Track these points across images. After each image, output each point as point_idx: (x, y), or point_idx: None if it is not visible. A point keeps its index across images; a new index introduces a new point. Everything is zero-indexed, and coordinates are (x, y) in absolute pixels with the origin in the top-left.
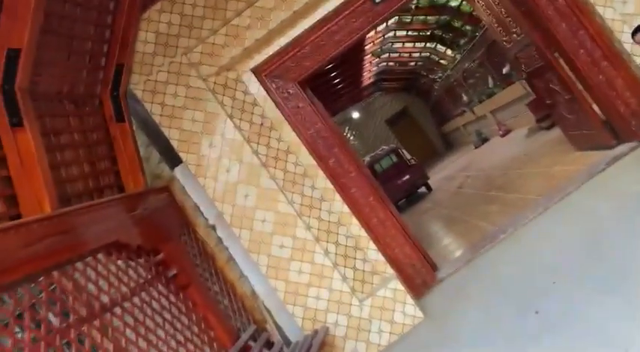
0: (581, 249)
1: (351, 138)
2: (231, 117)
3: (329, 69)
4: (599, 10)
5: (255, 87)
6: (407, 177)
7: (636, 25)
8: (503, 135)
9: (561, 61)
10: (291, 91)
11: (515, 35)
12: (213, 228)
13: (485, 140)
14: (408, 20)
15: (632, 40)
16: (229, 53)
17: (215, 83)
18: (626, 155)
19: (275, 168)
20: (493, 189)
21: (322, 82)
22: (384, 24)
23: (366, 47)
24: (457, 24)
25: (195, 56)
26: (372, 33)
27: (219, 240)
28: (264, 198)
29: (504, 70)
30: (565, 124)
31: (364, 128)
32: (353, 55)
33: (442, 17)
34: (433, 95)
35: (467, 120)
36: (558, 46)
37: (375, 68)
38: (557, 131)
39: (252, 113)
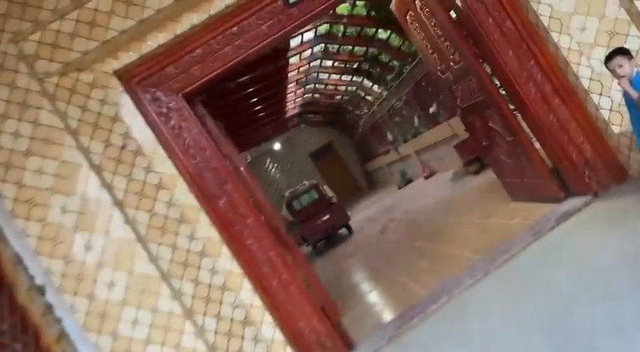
0: (539, 333)
1: (273, 170)
2: (75, 134)
3: (249, 94)
4: (554, 37)
5: (118, 96)
6: (327, 216)
7: (610, 51)
8: (426, 177)
9: (505, 96)
10: (172, 106)
11: (452, 63)
12: (41, 290)
13: (409, 181)
14: (335, 49)
15: (596, 71)
16: (81, 46)
17: (57, 86)
18: (579, 211)
19: (137, 208)
20: (420, 238)
21: (241, 107)
22: (310, 50)
23: (290, 74)
24: (385, 58)
25: (29, 46)
26: (296, 59)
27: (49, 307)
28: (115, 251)
29: (431, 110)
30: (502, 170)
31: (287, 161)
32: (275, 81)
33: (370, 50)
34: (358, 131)
35: (391, 159)
36: (503, 77)
37: (300, 99)
38: (485, 177)
39: (111, 131)
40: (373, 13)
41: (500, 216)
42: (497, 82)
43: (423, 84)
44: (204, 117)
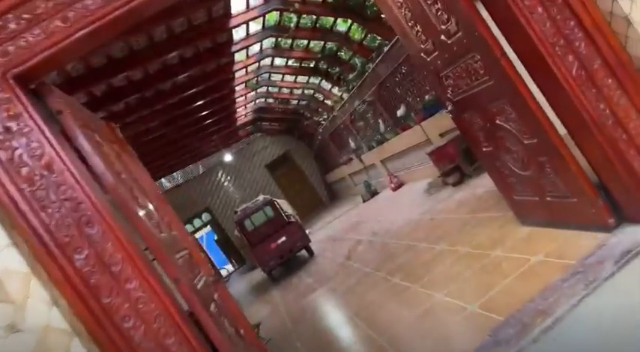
0: None
1: (226, 183)
2: None
3: (190, 97)
4: None
5: None
6: (283, 238)
7: None
8: (394, 189)
9: (528, 77)
10: None
11: (444, 36)
12: None
13: (374, 193)
14: (287, 45)
15: None
16: None
17: None
18: None
19: None
20: (395, 271)
21: (181, 113)
22: (259, 46)
23: (238, 74)
24: (345, 55)
25: None
26: (242, 55)
27: None
28: None
29: (399, 112)
30: (510, 184)
31: (242, 173)
32: (221, 82)
33: (328, 45)
34: (318, 139)
35: (354, 169)
36: (527, 48)
37: (252, 104)
38: (468, 190)
39: None
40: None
41: (510, 248)
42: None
43: (388, 85)
44: (67, 117)
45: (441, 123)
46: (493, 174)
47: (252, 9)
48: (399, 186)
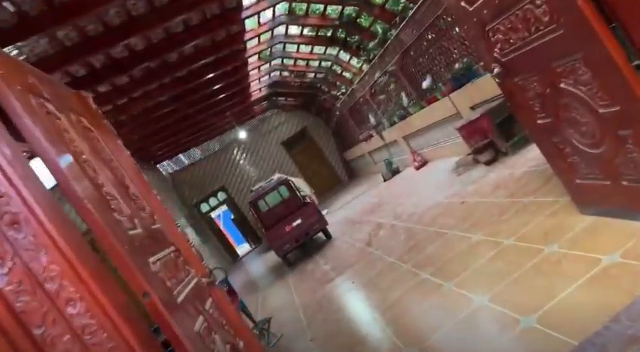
0: None
1: (242, 161)
2: None
3: (200, 70)
4: None
5: None
6: (299, 221)
7: None
8: (418, 168)
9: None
10: None
11: None
12: None
13: (396, 172)
14: (302, 11)
15: None
16: None
17: None
18: None
19: None
20: (423, 264)
21: (191, 89)
22: (271, 11)
23: (250, 45)
24: (365, 21)
25: None
26: (254, 22)
27: None
28: None
29: (425, 84)
30: (571, 164)
31: (257, 150)
32: (232, 54)
33: (346, 10)
34: (336, 115)
35: (374, 146)
36: None
37: (266, 77)
38: (504, 170)
39: None
40: None
41: (571, 243)
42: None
43: (413, 53)
44: None
45: (472, 95)
46: (548, 151)
47: None
48: (422, 164)
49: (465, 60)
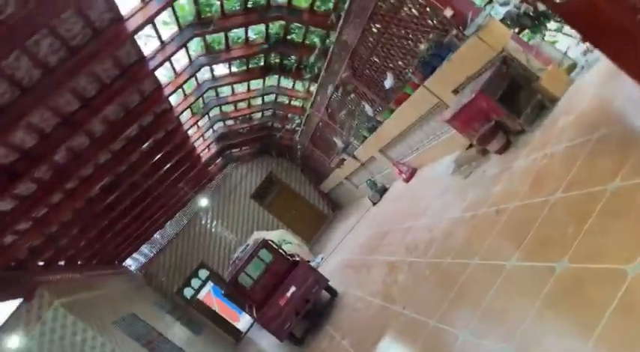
0: None
1: (214, 229)
2: None
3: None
4: None
5: None
6: (293, 288)
7: None
8: (407, 180)
9: None
10: None
11: None
12: None
13: (383, 191)
14: (221, 44)
15: None
16: None
17: None
18: None
19: None
20: (496, 325)
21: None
22: (185, 53)
23: (176, 101)
24: (297, 35)
25: None
26: (169, 73)
27: None
28: None
29: (387, 83)
30: None
31: (228, 212)
32: (158, 119)
33: (271, 29)
34: (298, 149)
35: (350, 170)
36: None
37: (209, 133)
38: (528, 154)
39: None
40: None
41: None
42: None
43: (362, 53)
44: None
45: (451, 75)
46: None
47: (150, 1)
48: (411, 174)
49: (431, 36)
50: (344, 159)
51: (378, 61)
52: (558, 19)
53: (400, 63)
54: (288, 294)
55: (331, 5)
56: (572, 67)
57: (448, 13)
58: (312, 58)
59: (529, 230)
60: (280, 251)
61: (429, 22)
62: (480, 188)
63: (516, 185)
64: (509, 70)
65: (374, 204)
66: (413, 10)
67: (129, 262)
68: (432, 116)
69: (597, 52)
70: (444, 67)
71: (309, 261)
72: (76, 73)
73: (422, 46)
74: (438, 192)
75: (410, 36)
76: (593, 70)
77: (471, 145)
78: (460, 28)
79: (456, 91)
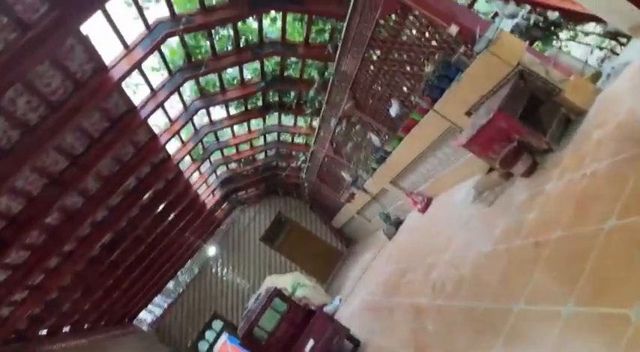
0: None
1: (225, 277)
2: None
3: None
4: None
5: None
6: (311, 343)
7: None
8: (423, 210)
9: None
10: None
11: None
12: None
13: (398, 223)
14: (216, 87)
15: None
16: None
17: None
18: None
19: None
20: None
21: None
22: (179, 101)
23: (173, 148)
24: (294, 70)
25: None
26: (164, 120)
27: None
28: None
29: (393, 111)
30: None
31: (238, 258)
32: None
33: (267, 66)
34: (305, 187)
35: (361, 204)
36: None
37: (212, 178)
38: (561, 175)
39: None
40: None
41: None
42: None
43: (363, 82)
44: None
45: (462, 96)
46: None
47: (135, 47)
48: (427, 204)
49: (437, 56)
50: (354, 193)
51: (380, 88)
52: (571, 28)
53: (405, 88)
54: (307, 349)
55: (327, 36)
56: (597, 75)
57: (453, 30)
58: (311, 93)
59: (583, 266)
60: (293, 299)
61: (433, 42)
62: (510, 216)
63: (555, 212)
64: (527, 84)
65: (389, 238)
66: (414, 32)
67: (142, 315)
68: (444, 141)
69: (622, 57)
70: (453, 89)
71: (326, 304)
72: (60, 130)
73: (427, 69)
74: (459, 223)
75: (413, 59)
76: (622, 76)
77: (491, 169)
78: (468, 45)
79: (469, 113)
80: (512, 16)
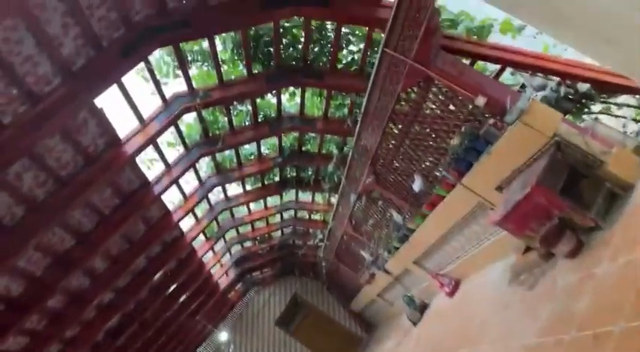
0: None
1: None
2: None
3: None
4: None
5: None
6: None
7: None
8: (451, 293)
9: None
10: None
11: None
12: None
13: (423, 308)
14: (233, 163)
15: None
16: None
17: None
18: None
19: None
20: None
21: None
22: (194, 177)
23: (187, 226)
24: (312, 146)
25: None
26: (178, 197)
27: None
28: None
29: (415, 186)
30: None
31: (252, 344)
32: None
33: (285, 141)
34: (323, 267)
35: (382, 285)
36: None
37: (226, 257)
38: (620, 255)
39: None
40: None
41: None
42: None
43: (383, 156)
44: None
45: (492, 170)
46: None
47: (151, 121)
48: (455, 287)
49: (463, 128)
50: (374, 274)
51: (402, 163)
52: (603, 99)
53: (428, 163)
54: None
55: (346, 111)
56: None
57: (480, 101)
58: (330, 168)
59: None
60: None
61: (458, 114)
62: (555, 303)
63: (613, 299)
64: (565, 157)
65: (415, 324)
66: (437, 104)
67: None
68: (473, 218)
69: None
70: (482, 162)
71: None
72: (69, 206)
73: (453, 141)
74: (494, 308)
75: (437, 132)
76: None
77: (528, 249)
78: (497, 116)
79: (500, 188)
80: (541, 88)
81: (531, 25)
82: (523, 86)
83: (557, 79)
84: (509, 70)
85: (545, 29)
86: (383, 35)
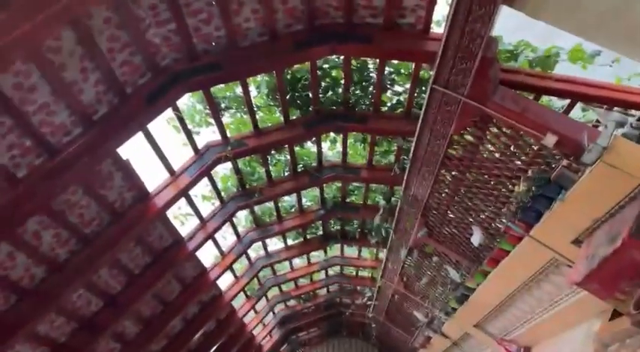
0: None
1: None
2: None
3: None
4: None
5: None
6: None
7: None
8: None
9: None
10: None
11: None
12: None
13: None
14: (272, 216)
15: None
16: None
17: None
18: None
19: None
20: None
21: None
22: (235, 235)
23: (225, 284)
24: (357, 197)
25: None
26: (214, 254)
27: None
28: None
29: (474, 240)
30: None
31: None
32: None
33: (327, 193)
34: (372, 327)
35: (439, 350)
36: None
37: (270, 317)
38: None
39: None
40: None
41: None
42: None
43: (436, 207)
44: None
45: (568, 220)
46: None
47: (183, 172)
48: None
49: (529, 173)
50: (430, 337)
51: (458, 213)
52: None
53: (488, 213)
54: None
55: (392, 157)
56: None
57: (550, 140)
58: (377, 220)
59: None
60: None
61: (522, 157)
62: None
63: None
64: None
65: None
66: (497, 146)
67: None
68: (544, 276)
69: None
70: (555, 210)
71: None
72: (94, 266)
73: (518, 188)
74: None
75: (497, 178)
76: None
77: (617, 313)
78: (570, 156)
79: (578, 241)
80: (619, 124)
81: (610, 49)
82: (597, 122)
83: (638, 113)
84: (579, 105)
85: (628, 52)
86: (431, 72)
